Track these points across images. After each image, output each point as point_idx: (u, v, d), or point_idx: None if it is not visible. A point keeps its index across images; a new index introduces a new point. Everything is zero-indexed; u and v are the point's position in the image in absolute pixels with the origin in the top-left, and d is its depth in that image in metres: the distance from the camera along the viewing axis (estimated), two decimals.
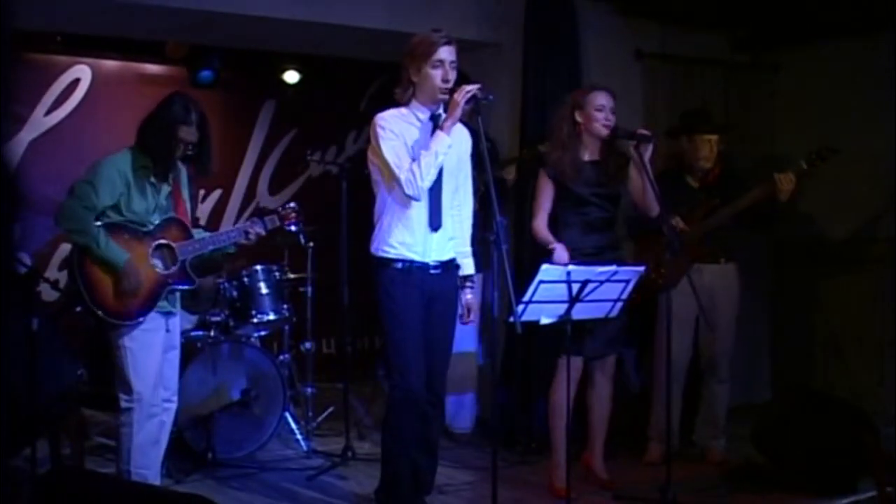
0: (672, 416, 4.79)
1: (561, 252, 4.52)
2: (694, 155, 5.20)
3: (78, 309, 4.11)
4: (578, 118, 4.65)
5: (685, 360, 5.22)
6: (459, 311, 4.28)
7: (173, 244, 4.19)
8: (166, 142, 4.14)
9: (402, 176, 3.98)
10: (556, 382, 4.71)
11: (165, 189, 4.21)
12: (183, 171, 4.35)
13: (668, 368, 4.66)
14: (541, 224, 4.67)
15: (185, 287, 4.28)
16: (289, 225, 4.56)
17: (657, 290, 4.97)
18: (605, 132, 4.62)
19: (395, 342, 4.10)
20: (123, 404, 4.13)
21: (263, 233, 4.41)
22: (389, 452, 4.18)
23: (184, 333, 5.23)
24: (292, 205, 4.61)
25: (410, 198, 4.01)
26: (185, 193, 4.34)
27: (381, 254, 4.11)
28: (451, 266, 4.21)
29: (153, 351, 4.15)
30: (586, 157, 4.69)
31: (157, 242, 4.16)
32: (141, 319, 4.10)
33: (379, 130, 4.05)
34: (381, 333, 4.25)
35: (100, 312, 4.05)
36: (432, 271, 4.12)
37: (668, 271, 4.89)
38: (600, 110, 4.61)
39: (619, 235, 4.85)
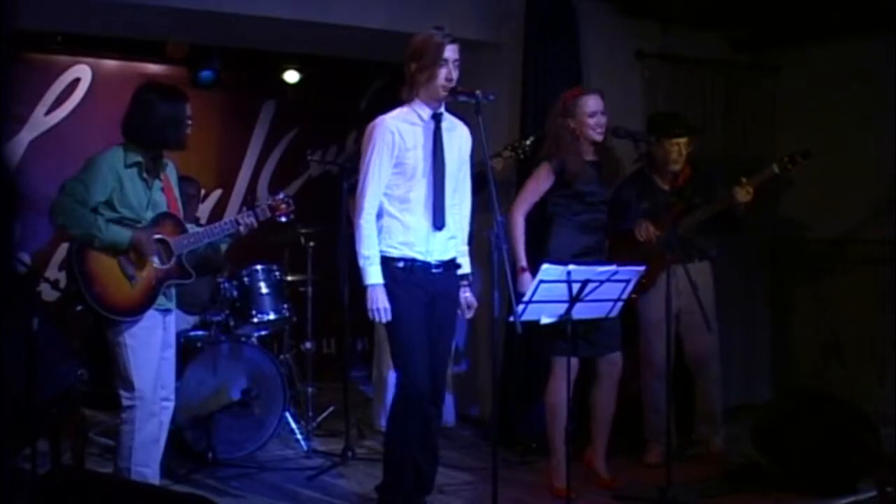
0: (665, 417, 4.79)
1: (526, 282, 4.37)
2: (663, 158, 5.18)
3: (78, 308, 4.10)
4: (571, 125, 4.64)
5: (669, 361, 5.20)
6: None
7: (168, 239, 4.19)
8: (181, 127, 4.17)
9: (363, 205, 4.04)
10: (551, 383, 4.71)
11: (157, 185, 4.22)
12: (172, 170, 4.35)
13: (667, 369, 4.66)
14: (520, 218, 4.64)
15: (183, 281, 4.28)
16: (280, 216, 4.53)
17: (636, 292, 4.98)
18: (599, 137, 4.63)
19: (400, 343, 4.10)
20: (125, 402, 4.13)
21: (255, 223, 4.40)
22: (393, 452, 4.18)
23: (183, 333, 5.24)
24: (281, 196, 4.58)
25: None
26: (176, 191, 4.35)
27: (383, 253, 4.10)
28: (452, 265, 4.21)
29: (152, 348, 4.16)
30: (585, 157, 4.69)
31: (152, 238, 4.16)
32: (141, 316, 4.11)
33: (376, 139, 4.04)
34: (387, 333, 4.24)
35: (100, 309, 4.05)
36: (434, 270, 4.12)
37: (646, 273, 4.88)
38: (592, 116, 4.61)
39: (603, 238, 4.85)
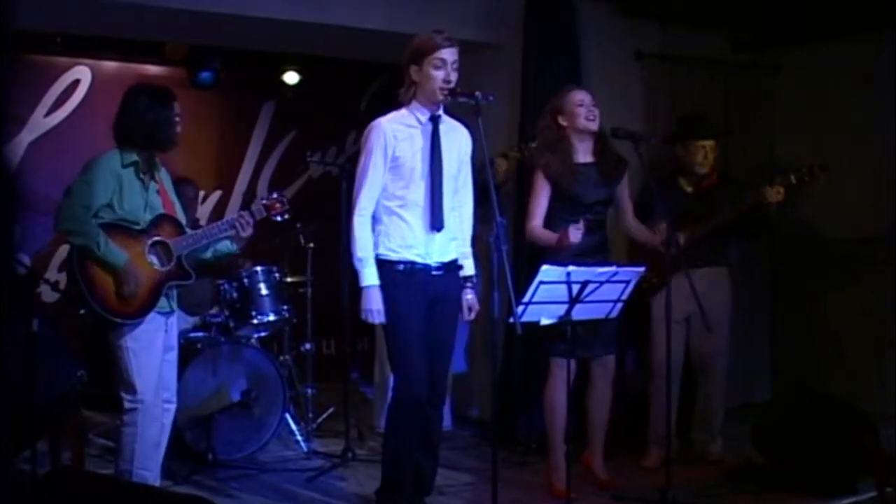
0: (670, 418, 4.80)
1: (574, 231, 4.39)
2: (689, 161, 5.21)
3: (81, 311, 4.09)
4: (563, 122, 4.63)
5: (679, 363, 5.21)
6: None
7: (168, 241, 4.20)
8: (171, 127, 4.18)
9: (357, 206, 4.06)
10: (549, 384, 4.72)
11: (153, 186, 4.22)
12: (165, 174, 4.35)
13: (668, 372, 4.66)
14: (538, 226, 4.65)
15: (184, 283, 4.28)
16: (275, 215, 4.53)
17: (647, 293, 4.99)
18: (592, 126, 4.61)
19: (399, 345, 4.10)
20: (127, 405, 4.12)
21: (252, 221, 4.40)
22: (392, 455, 4.17)
23: (183, 334, 5.24)
24: (276, 195, 4.58)
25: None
26: (172, 194, 4.35)
27: (382, 256, 4.10)
28: (453, 267, 4.20)
29: (154, 351, 4.16)
30: (579, 159, 4.68)
31: (152, 240, 4.16)
32: (143, 318, 4.10)
33: (372, 143, 4.05)
34: (384, 335, 4.24)
35: (102, 312, 4.05)
36: (434, 272, 4.12)
37: (651, 277, 4.89)
38: (581, 105, 4.60)
39: (609, 237, 4.84)
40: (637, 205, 5.19)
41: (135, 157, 4.14)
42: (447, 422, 5.77)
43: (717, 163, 5.27)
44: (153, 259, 4.15)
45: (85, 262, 4.04)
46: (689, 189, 5.23)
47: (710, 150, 5.20)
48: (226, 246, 4.40)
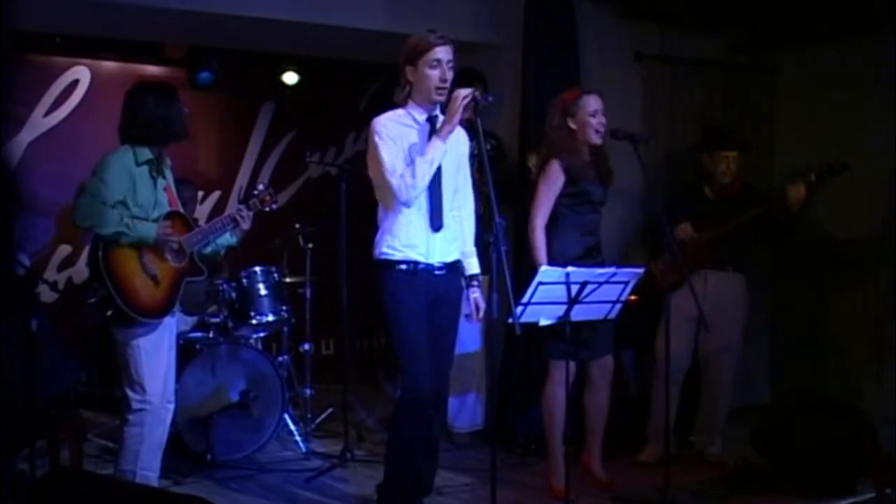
0: (670, 418, 4.80)
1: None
2: (713, 170, 5.33)
3: (108, 313, 4.06)
4: (572, 125, 4.63)
5: (685, 362, 5.23)
6: (467, 310, 4.28)
7: (179, 237, 4.20)
8: (183, 117, 4.21)
9: (394, 181, 3.97)
10: (547, 385, 4.71)
11: (161, 183, 4.23)
12: (168, 169, 4.35)
13: (666, 371, 4.66)
14: (540, 227, 4.62)
15: (197, 278, 4.29)
16: (265, 207, 4.56)
17: (659, 293, 4.99)
18: (598, 139, 4.62)
19: (402, 345, 4.09)
20: (135, 405, 4.12)
21: (251, 213, 4.42)
22: (394, 454, 4.17)
23: (183, 334, 5.24)
24: (261, 187, 4.59)
25: (403, 204, 4.01)
26: (174, 189, 4.36)
27: (384, 256, 4.10)
28: (455, 267, 4.20)
29: (163, 350, 4.17)
30: (584, 159, 4.68)
31: (170, 233, 4.17)
32: (167, 315, 4.12)
33: (376, 137, 4.05)
34: (387, 336, 4.23)
35: (131, 312, 4.03)
36: (437, 272, 4.11)
37: (669, 275, 4.91)
38: (593, 115, 4.60)
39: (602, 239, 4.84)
40: (663, 207, 5.20)
41: (149, 155, 4.15)
42: (478, 420, 5.74)
43: (740, 173, 5.35)
44: (168, 256, 4.17)
45: (110, 261, 4.02)
46: (712, 196, 5.34)
47: (734, 161, 5.32)
48: (225, 239, 4.43)
